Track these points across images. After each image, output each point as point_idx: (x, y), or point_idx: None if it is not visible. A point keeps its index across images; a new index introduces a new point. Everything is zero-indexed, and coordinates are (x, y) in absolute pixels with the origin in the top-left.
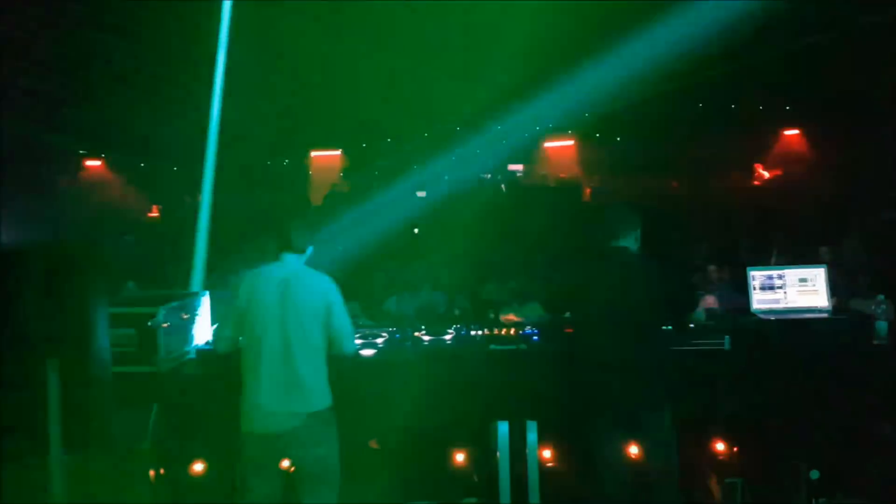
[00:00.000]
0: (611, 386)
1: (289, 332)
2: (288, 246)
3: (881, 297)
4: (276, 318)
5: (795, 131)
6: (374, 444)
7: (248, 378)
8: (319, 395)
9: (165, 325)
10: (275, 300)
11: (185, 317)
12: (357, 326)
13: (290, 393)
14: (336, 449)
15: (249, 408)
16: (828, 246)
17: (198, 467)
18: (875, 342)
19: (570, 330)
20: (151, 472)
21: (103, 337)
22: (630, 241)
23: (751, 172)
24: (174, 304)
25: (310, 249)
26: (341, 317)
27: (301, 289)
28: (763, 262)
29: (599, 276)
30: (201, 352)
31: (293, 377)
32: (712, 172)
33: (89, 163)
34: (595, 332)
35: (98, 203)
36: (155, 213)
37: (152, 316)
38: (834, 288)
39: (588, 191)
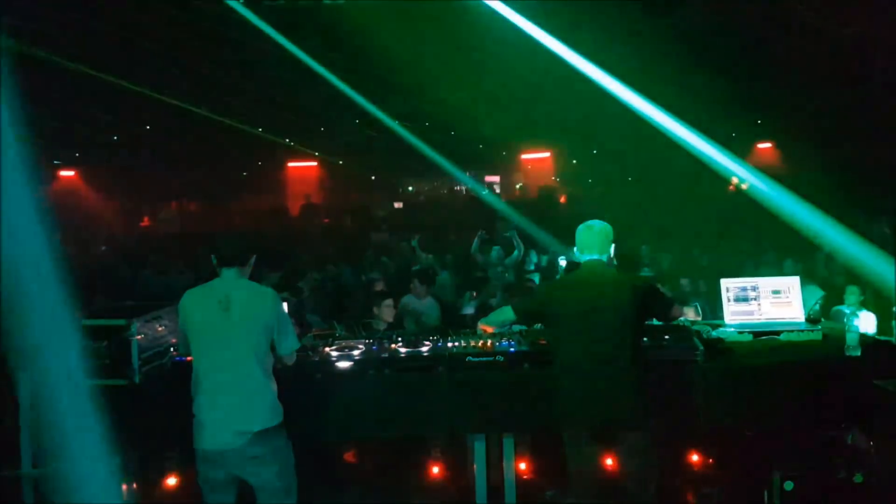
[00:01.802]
0: (584, 398)
1: (232, 349)
2: (224, 261)
3: (853, 309)
4: (218, 336)
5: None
6: (349, 457)
7: (196, 395)
8: (266, 413)
9: (139, 336)
10: (216, 318)
11: (161, 329)
12: (334, 339)
13: (234, 411)
14: (289, 464)
15: (198, 425)
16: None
17: (171, 481)
18: (848, 354)
19: (543, 341)
20: (124, 487)
21: (76, 349)
22: (603, 255)
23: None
24: (148, 315)
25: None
26: (285, 331)
27: (243, 304)
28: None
29: (570, 288)
30: (177, 364)
31: (238, 395)
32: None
33: (63, 173)
34: (567, 344)
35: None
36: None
37: (126, 328)
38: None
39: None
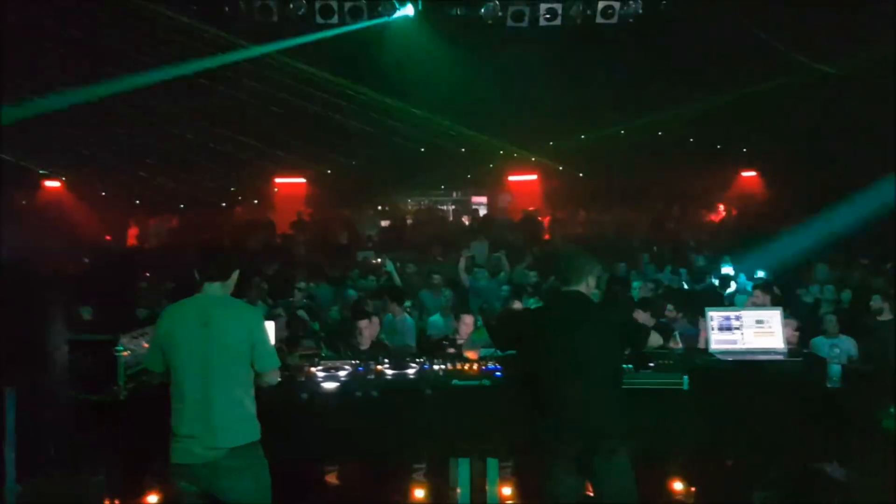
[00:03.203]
0: (563, 424)
1: (211, 364)
2: (208, 276)
3: (837, 340)
4: (197, 351)
5: (752, 172)
6: (332, 478)
7: (173, 411)
8: (242, 430)
9: (126, 353)
10: (196, 333)
11: (147, 345)
12: (320, 359)
13: (210, 426)
14: (264, 482)
15: (174, 439)
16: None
17: (152, 499)
18: (829, 385)
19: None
20: (107, 502)
21: (62, 365)
22: (583, 286)
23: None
24: (136, 332)
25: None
26: (264, 349)
27: (223, 320)
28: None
29: (550, 316)
30: (164, 382)
31: (214, 411)
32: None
33: (48, 183)
34: (546, 372)
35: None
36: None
37: (112, 343)
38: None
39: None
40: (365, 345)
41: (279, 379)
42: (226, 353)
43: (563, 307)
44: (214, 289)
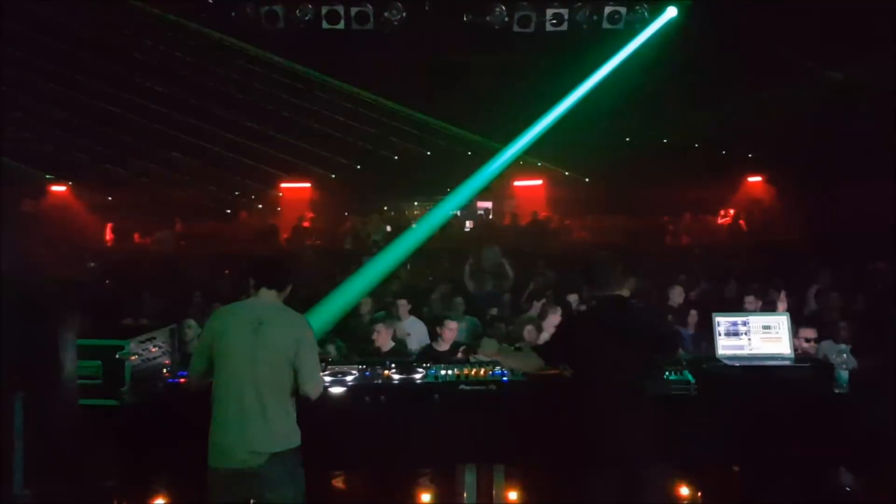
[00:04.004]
0: (613, 439)
1: (258, 370)
2: (265, 282)
3: (844, 346)
4: (246, 356)
5: (758, 178)
6: (338, 483)
7: (216, 413)
8: (284, 436)
9: (133, 357)
10: (246, 338)
11: (154, 350)
12: (327, 364)
13: (254, 431)
14: (301, 490)
15: (215, 443)
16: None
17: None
18: (836, 391)
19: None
20: None
21: (71, 369)
22: (622, 288)
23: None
24: (143, 337)
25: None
26: (309, 359)
27: (273, 327)
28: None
29: (598, 328)
30: (170, 386)
31: (259, 416)
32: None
33: (54, 188)
34: (596, 384)
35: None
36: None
37: (120, 348)
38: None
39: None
40: (385, 347)
41: (320, 391)
42: (273, 360)
43: (606, 311)
44: (268, 296)
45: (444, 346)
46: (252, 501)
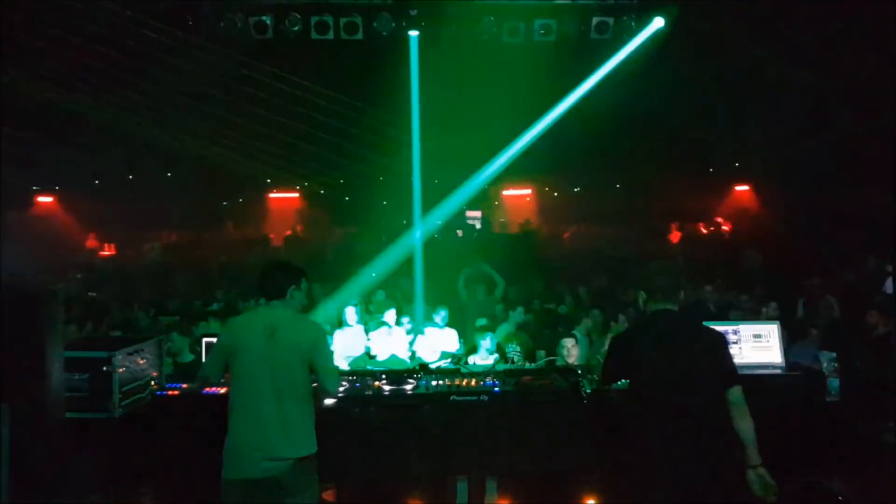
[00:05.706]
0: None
1: (276, 377)
2: (263, 296)
3: (832, 354)
4: (263, 363)
5: (745, 187)
6: (328, 496)
7: (234, 423)
8: (305, 441)
9: (121, 370)
10: (262, 345)
11: (142, 362)
12: None
13: (276, 438)
14: (318, 497)
15: (234, 453)
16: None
17: None
18: (827, 399)
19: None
20: None
21: (58, 382)
22: (670, 302)
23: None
24: (130, 349)
25: (297, 295)
26: (326, 356)
27: (288, 334)
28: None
29: (656, 346)
30: (158, 398)
31: (280, 422)
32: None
33: (41, 199)
34: (653, 403)
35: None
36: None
37: (108, 360)
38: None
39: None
40: (382, 357)
41: (339, 387)
42: (290, 364)
43: (665, 327)
44: (277, 305)
45: (431, 358)
46: None
